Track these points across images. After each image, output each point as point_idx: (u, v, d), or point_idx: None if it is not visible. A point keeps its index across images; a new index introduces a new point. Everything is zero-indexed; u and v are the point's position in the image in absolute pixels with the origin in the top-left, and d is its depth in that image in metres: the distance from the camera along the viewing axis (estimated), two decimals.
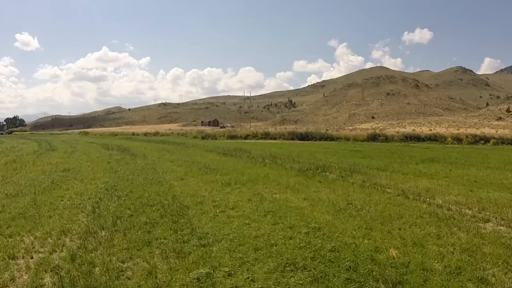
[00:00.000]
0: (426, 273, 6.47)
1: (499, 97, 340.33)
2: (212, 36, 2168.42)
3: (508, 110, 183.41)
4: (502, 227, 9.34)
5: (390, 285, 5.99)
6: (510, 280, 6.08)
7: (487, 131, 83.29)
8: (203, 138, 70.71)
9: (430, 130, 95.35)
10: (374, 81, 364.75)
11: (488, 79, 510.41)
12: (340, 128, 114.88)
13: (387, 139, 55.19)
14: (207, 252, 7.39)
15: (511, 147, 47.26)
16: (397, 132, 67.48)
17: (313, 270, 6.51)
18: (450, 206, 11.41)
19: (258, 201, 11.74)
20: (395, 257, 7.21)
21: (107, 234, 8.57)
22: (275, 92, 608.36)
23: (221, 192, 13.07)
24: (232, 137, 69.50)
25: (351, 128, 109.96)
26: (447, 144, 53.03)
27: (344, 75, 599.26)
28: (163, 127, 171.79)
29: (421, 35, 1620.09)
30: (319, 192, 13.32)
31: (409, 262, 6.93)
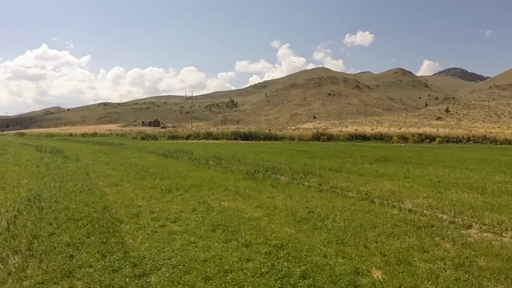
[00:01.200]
0: None
1: (438, 97, 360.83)
2: (154, 34, 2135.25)
3: (447, 110, 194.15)
4: (487, 234, 8.66)
5: None
6: None
7: (428, 130, 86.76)
8: (143, 138, 70.08)
9: (373, 129, 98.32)
10: (316, 81, 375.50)
11: (427, 80, 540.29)
12: (282, 127, 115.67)
13: (332, 138, 55.47)
14: (143, 285, 5.85)
15: (457, 145, 49.37)
16: (340, 131, 68.34)
17: None
18: (424, 211, 10.70)
19: (204, 211, 10.44)
20: (381, 280, 6.04)
21: (19, 261, 6.78)
22: (217, 92, 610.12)
23: (161, 201, 11.70)
24: (173, 137, 69.17)
25: (293, 128, 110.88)
26: (393, 143, 54.39)
27: (286, 76, 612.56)
28: (103, 128, 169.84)
29: (363, 37, 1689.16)
30: (273, 198, 12.20)
31: (400, 287, 5.79)
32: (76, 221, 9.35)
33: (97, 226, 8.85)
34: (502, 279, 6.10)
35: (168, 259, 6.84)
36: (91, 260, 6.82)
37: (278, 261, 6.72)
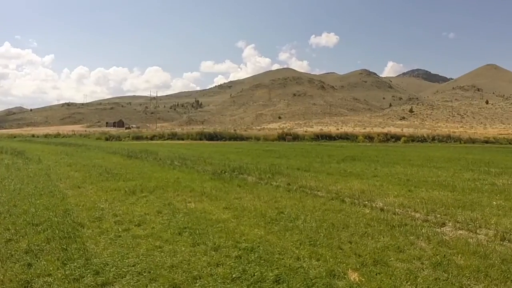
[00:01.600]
0: None
1: (402, 98, 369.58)
2: (119, 34, 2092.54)
3: (411, 111, 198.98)
4: (462, 231, 8.62)
5: None
6: None
7: (393, 130, 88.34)
8: (107, 139, 68.88)
9: (338, 129, 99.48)
10: (281, 82, 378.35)
11: (391, 81, 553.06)
12: (248, 128, 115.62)
13: (298, 138, 55.61)
14: None
15: (422, 144, 50.36)
16: (306, 131, 68.70)
17: None
18: (395, 209, 10.60)
19: (170, 213, 9.99)
20: (359, 282, 5.78)
21: None
22: (182, 92, 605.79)
23: (125, 203, 11.25)
24: (137, 138, 68.75)
25: (258, 128, 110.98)
26: (359, 142, 55.06)
27: (251, 76, 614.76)
28: (66, 129, 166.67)
29: (328, 38, 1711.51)
30: (241, 199, 11.88)
31: None
32: (36, 226, 8.74)
33: (57, 231, 8.26)
34: (482, 277, 5.98)
35: (133, 266, 6.39)
36: (51, 268, 6.30)
37: (249, 265, 6.37)
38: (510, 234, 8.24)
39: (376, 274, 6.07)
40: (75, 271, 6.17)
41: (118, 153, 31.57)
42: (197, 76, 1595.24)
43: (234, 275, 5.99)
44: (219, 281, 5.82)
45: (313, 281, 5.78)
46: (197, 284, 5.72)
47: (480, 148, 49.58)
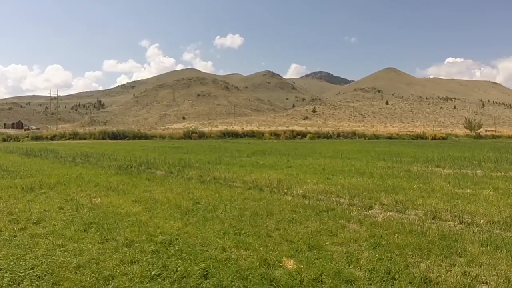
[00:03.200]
0: (353, 286, 4.80)
1: (304, 99, 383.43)
2: (18, 29, 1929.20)
3: (314, 111, 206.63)
4: (391, 213, 8.56)
5: None
6: (451, 272, 5.18)
7: (297, 128, 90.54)
8: (4, 140, 66.92)
9: (243, 128, 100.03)
10: (185, 82, 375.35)
11: (294, 83, 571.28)
12: (151, 128, 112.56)
13: (204, 136, 54.93)
14: None
15: (328, 140, 51.99)
16: (211, 130, 68.18)
17: None
18: (318, 196, 10.41)
19: (73, 209, 9.04)
20: (297, 269, 5.15)
21: None
22: (84, 92, 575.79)
23: (21, 200, 10.22)
24: (37, 138, 66.29)
25: (163, 128, 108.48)
26: (265, 139, 55.64)
27: (155, 76, 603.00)
28: None
29: (233, 40, 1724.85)
30: (151, 191, 11.23)
31: (321, 275, 5.02)
32: None
33: None
34: (426, 254, 5.81)
35: (31, 269, 5.39)
36: None
37: (169, 260, 5.53)
38: (439, 213, 8.33)
39: (314, 260, 5.60)
40: None
41: (16, 152, 30.51)
42: (100, 75, 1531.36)
43: (153, 272, 5.16)
44: (135, 280, 4.96)
45: (246, 272, 5.09)
46: (110, 286, 4.87)
47: (385, 142, 52.27)
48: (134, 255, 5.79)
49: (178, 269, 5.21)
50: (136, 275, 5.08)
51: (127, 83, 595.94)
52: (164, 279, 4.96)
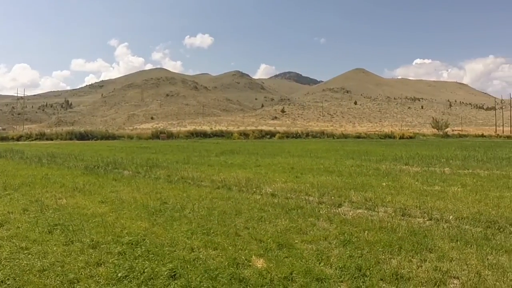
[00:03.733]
0: (324, 284, 4.73)
1: (274, 99, 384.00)
2: None
3: (283, 111, 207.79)
4: (360, 210, 8.60)
5: None
6: (422, 268, 5.22)
7: (266, 128, 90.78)
8: None
9: (211, 128, 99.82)
10: (154, 82, 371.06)
11: (263, 83, 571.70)
12: (120, 128, 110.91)
13: (172, 136, 54.48)
14: None
15: (297, 140, 52.30)
16: (180, 130, 67.72)
17: None
18: (287, 194, 10.43)
19: (37, 210, 8.76)
20: (267, 268, 5.06)
21: None
22: (51, 92, 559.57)
23: None
24: (2, 139, 64.78)
25: (131, 128, 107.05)
26: (234, 139, 55.56)
27: (124, 76, 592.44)
28: None
29: (202, 39, 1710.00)
30: (118, 192, 11.01)
31: (291, 273, 4.96)
32: None
33: None
34: (396, 250, 5.81)
35: None
36: None
37: (136, 261, 5.36)
38: (408, 209, 8.41)
39: (284, 258, 5.53)
40: None
41: None
42: (67, 75, 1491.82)
43: (120, 274, 4.98)
44: (102, 282, 4.79)
45: (215, 272, 4.97)
46: None
47: (353, 142, 53.01)
48: (100, 257, 5.61)
49: (145, 270, 5.07)
50: (102, 277, 4.91)
51: (95, 82, 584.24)
52: (131, 280, 4.81)
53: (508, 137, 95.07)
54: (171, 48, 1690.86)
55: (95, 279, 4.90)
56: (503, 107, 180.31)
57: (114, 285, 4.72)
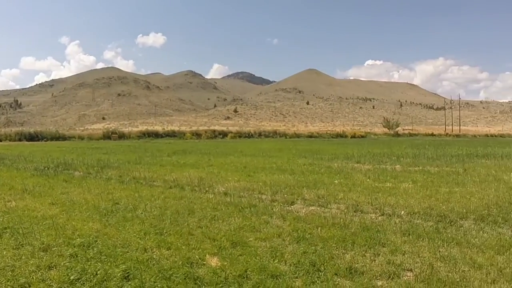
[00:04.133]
0: (279, 280, 4.74)
1: (226, 99, 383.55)
2: None
3: (235, 111, 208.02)
4: (313, 207, 8.73)
5: None
6: (375, 261, 5.33)
7: (218, 128, 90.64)
8: None
9: (164, 129, 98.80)
10: (106, 81, 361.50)
11: (216, 83, 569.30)
12: (70, 129, 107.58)
13: (124, 137, 53.53)
14: None
15: (249, 139, 52.50)
16: (131, 131, 66.60)
17: None
18: (240, 193, 10.49)
19: None
20: (221, 266, 5.06)
21: None
22: (0, 91, 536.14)
23: None
24: None
25: (82, 129, 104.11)
26: (187, 139, 55.14)
27: (75, 75, 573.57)
28: None
29: (155, 39, 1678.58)
30: (68, 193, 10.73)
31: (246, 271, 4.97)
32: None
33: None
34: (349, 245, 5.92)
35: None
36: None
37: (89, 263, 5.22)
38: (361, 206, 8.62)
39: (238, 256, 5.53)
40: None
41: None
42: (17, 73, 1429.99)
43: (72, 277, 4.83)
44: (54, 286, 4.66)
45: (169, 272, 4.91)
46: None
47: (306, 141, 53.77)
48: (51, 260, 5.43)
49: (98, 272, 4.93)
50: (54, 280, 4.76)
51: (46, 81, 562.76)
52: (84, 283, 4.67)
53: (457, 135, 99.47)
54: (124, 46, 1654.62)
55: (47, 282, 4.74)
56: (452, 107, 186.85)
57: None
